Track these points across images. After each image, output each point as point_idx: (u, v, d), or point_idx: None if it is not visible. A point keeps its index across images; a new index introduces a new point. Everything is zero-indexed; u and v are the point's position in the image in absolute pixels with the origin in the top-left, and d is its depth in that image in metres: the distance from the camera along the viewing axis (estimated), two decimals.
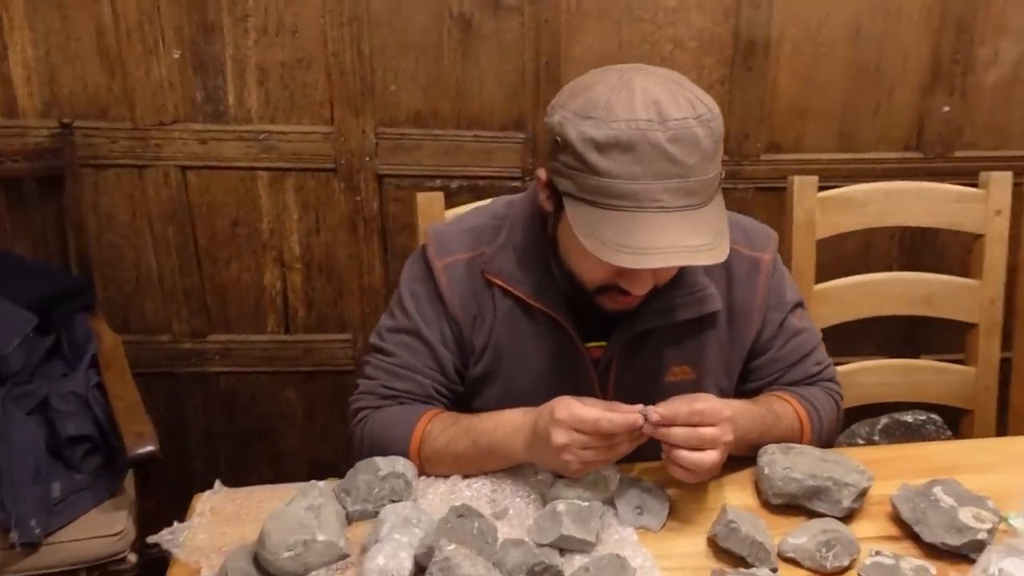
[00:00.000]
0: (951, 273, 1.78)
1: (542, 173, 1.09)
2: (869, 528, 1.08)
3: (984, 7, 1.87)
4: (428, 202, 1.48)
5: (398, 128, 1.86)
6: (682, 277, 1.14)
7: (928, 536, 1.02)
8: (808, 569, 1.00)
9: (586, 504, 1.03)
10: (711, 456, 1.03)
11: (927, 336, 2.07)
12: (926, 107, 1.95)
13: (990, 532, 1.01)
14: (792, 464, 1.09)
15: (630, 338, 1.16)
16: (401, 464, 1.10)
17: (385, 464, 1.09)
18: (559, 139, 1.02)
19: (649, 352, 1.17)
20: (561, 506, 1.02)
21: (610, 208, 0.98)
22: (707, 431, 1.02)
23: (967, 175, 1.89)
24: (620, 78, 1.01)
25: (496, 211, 1.24)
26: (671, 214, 0.97)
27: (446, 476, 1.14)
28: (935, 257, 2.06)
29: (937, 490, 1.07)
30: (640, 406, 1.03)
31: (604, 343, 1.17)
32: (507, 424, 1.10)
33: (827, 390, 1.25)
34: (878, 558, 0.99)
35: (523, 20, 1.80)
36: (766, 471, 1.10)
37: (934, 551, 1.03)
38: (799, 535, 1.02)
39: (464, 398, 1.23)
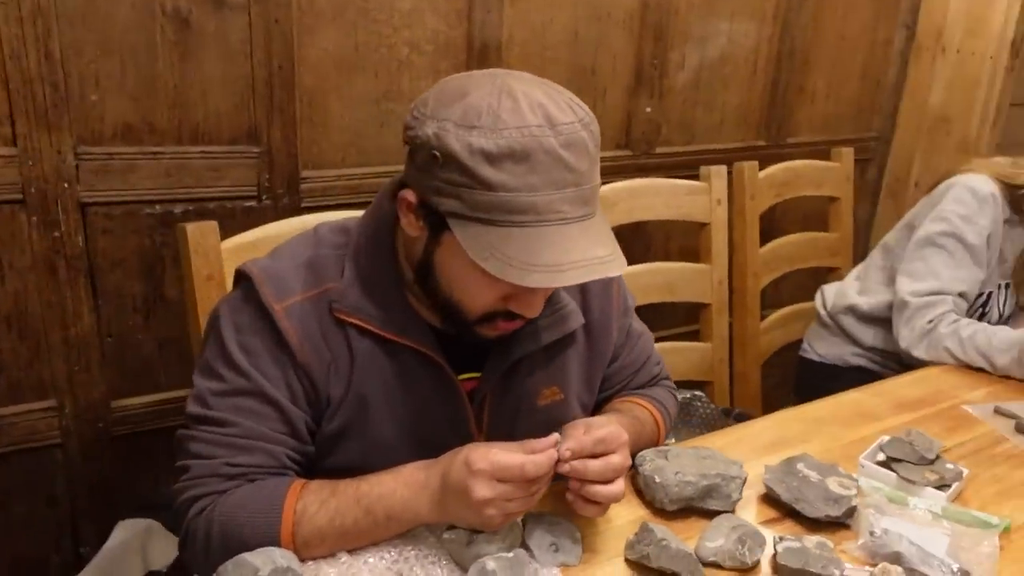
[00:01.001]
0: (655, 260, 1.95)
1: (409, 195, 0.96)
2: (751, 515, 1.12)
3: (674, 15, 2.06)
4: (201, 234, 1.24)
5: (104, 146, 1.53)
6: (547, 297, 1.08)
7: (811, 512, 1.09)
8: (729, 569, 1.01)
9: (511, 555, 0.93)
10: (620, 485, 0.99)
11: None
12: (632, 108, 2.09)
13: (856, 496, 1.11)
14: (680, 468, 1.10)
15: (504, 366, 1.07)
16: (279, 556, 0.90)
17: (262, 560, 0.89)
18: (437, 153, 0.90)
19: (521, 378, 1.10)
20: (491, 563, 0.91)
21: (509, 225, 0.89)
22: (615, 459, 0.98)
23: (667, 169, 2.09)
24: (494, 82, 0.93)
25: (328, 239, 1.07)
26: (571, 225, 0.91)
27: (328, 556, 0.96)
28: (644, 248, 2.24)
29: (800, 466, 1.15)
30: (553, 438, 0.96)
31: (474, 375, 1.08)
32: (407, 484, 0.96)
33: (668, 388, 1.28)
34: (786, 544, 1.02)
35: (250, 19, 1.59)
36: (657, 479, 1.09)
37: (813, 524, 1.10)
38: (714, 537, 1.02)
39: (313, 459, 1.05)
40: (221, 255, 1.25)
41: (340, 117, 1.73)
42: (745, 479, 1.12)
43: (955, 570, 1.00)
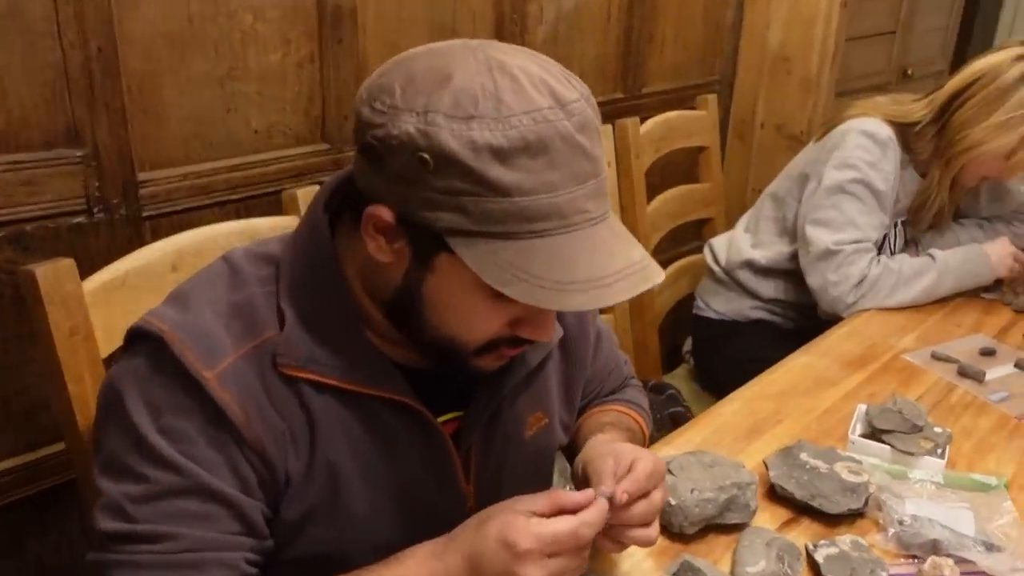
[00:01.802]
0: None
1: (383, 212, 0.74)
2: (766, 521, 1.02)
3: None
4: (55, 278, 0.94)
5: None
6: None
7: (832, 508, 1.00)
8: None
9: None
10: (657, 527, 0.84)
11: None
12: None
13: (869, 482, 1.03)
14: (693, 483, 0.97)
15: (495, 401, 0.89)
16: None
17: None
18: (426, 156, 0.70)
19: (506, 410, 0.92)
20: None
21: (529, 236, 0.71)
22: (657, 497, 0.83)
23: None
24: (477, 56, 0.74)
25: (250, 273, 0.83)
26: (598, 226, 0.74)
27: None
28: None
29: (803, 456, 1.06)
30: (593, 490, 0.79)
31: (452, 415, 0.89)
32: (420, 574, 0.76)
33: (638, 388, 1.15)
34: (824, 551, 0.93)
35: None
36: (672, 501, 0.96)
37: (830, 518, 1.01)
38: (752, 560, 0.91)
39: (272, 552, 0.83)
40: (84, 301, 0.97)
41: (178, 105, 1.43)
42: (757, 483, 1.01)
43: (991, 547, 0.95)
